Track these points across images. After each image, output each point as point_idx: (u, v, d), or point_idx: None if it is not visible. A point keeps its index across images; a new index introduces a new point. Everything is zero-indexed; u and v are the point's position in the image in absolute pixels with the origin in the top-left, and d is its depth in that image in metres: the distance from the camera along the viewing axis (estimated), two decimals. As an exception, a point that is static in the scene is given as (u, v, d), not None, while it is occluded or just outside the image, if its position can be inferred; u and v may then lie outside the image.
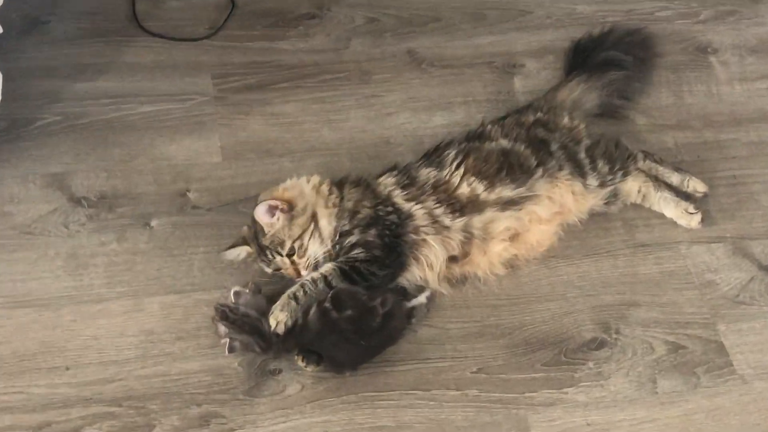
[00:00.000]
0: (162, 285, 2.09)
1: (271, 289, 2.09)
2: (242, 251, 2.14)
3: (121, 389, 1.92)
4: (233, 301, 2.00)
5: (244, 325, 1.98)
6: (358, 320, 1.95)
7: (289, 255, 2.08)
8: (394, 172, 2.17)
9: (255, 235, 2.11)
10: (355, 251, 2.09)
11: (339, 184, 2.21)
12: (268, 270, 2.12)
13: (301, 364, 2.01)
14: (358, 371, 2.00)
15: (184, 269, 2.13)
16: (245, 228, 2.06)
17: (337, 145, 2.46)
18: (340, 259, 2.09)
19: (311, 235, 2.04)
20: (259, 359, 2.03)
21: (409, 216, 2.13)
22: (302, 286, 1.99)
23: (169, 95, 2.51)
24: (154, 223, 2.26)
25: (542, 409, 1.95)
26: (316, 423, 1.91)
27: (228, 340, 1.97)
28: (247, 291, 2.03)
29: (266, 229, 2.09)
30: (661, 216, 2.26)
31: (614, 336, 2.08)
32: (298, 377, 2.01)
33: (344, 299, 1.96)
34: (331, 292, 1.98)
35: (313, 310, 1.96)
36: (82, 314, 2.09)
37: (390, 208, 2.14)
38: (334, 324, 1.94)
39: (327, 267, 2.06)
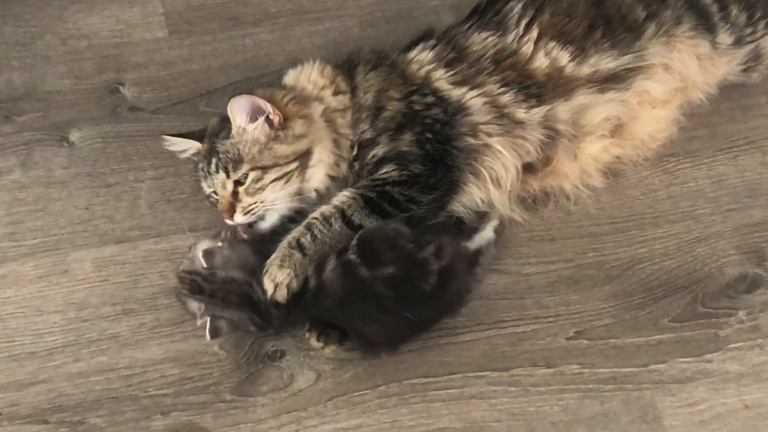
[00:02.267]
0: (95, 232, 1.89)
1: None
2: (190, 147, 1.86)
3: (46, 396, 1.72)
4: (204, 265, 1.69)
5: (230, 295, 1.69)
6: (401, 281, 1.65)
7: (237, 182, 1.78)
8: (431, 42, 1.90)
9: (217, 132, 1.82)
10: (385, 169, 1.78)
11: (347, 67, 1.90)
12: (203, 186, 1.83)
13: (315, 343, 1.73)
14: (400, 350, 1.75)
15: (126, 206, 1.93)
16: (215, 119, 1.86)
17: (337, 4, 2.21)
18: (363, 182, 1.79)
19: (283, 177, 1.78)
20: (250, 338, 1.77)
21: (461, 108, 1.82)
22: (309, 227, 1.71)
23: (81, -62, 2.24)
24: (74, 136, 2.02)
25: (676, 388, 1.73)
26: (342, 430, 1.69)
27: (208, 319, 1.69)
28: (220, 243, 1.72)
29: (233, 131, 1.79)
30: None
31: (772, 269, 1.85)
32: (310, 362, 1.75)
33: (378, 248, 1.65)
34: (357, 236, 1.67)
35: (330, 265, 1.65)
36: (-23, 284, 1.83)
37: (431, 98, 1.82)
38: (364, 286, 1.64)
39: (343, 196, 1.76)
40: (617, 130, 1.91)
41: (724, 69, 2.01)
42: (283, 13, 2.18)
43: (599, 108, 1.87)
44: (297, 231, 1.72)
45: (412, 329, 1.73)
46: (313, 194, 1.82)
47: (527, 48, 1.87)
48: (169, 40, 2.14)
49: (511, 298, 1.83)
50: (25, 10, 2.15)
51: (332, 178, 1.83)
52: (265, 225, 1.79)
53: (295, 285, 1.68)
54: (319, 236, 1.71)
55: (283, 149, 1.78)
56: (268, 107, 1.76)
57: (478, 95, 1.83)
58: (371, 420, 1.70)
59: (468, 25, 1.93)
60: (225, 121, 1.81)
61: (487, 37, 1.89)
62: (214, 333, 1.69)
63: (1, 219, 1.90)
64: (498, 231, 1.85)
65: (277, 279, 1.68)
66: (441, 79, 1.85)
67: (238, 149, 1.79)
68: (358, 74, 1.87)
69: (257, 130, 1.78)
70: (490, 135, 1.82)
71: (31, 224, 1.90)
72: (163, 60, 2.10)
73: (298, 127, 1.79)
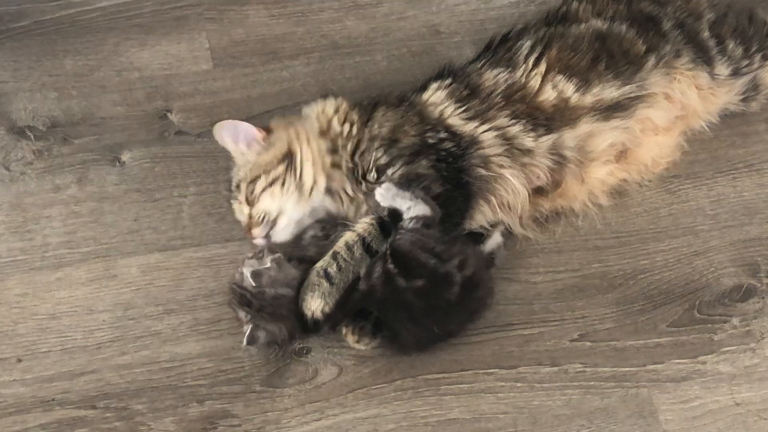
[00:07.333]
0: (141, 241, 1.98)
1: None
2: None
3: (94, 385, 1.81)
4: (253, 284, 1.76)
5: (280, 308, 1.78)
6: (428, 293, 1.73)
7: (250, 203, 1.91)
8: (447, 81, 1.95)
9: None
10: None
11: (369, 106, 1.98)
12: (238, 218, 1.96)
13: (350, 339, 1.82)
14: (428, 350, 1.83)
15: (171, 218, 2.02)
16: None
17: (367, 40, 2.30)
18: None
19: (274, 182, 1.88)
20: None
21: (474, 142, 1.89)
22: (335, 257, 1.78)
23: (136, -19, 2.34)
24: (125, 156, 2.12)
25: (672, 387, 1.80)
26: (361, 419, 1.77)
27: (249, 327, 1.78)
28: (268, 265, 1.78)
29: (235, 159, 1.94)
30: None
31: (766, 281, 1.92)
32: (333, 358, 1.85)
33: (406, 261, 1.74)
34: (389, 246, 1.76)
35: (377, 272, 1.75)
36: (36, 285, 1.94)
37: (443, 134, 1.89)
38: (400, 295, 1.73)
39: (364, 222, 1.84)
40: (622, 155, 1.98)
41: (724, 98, 2.06)
42: (318, 48, 2.27)
43: (604, 135, 1.93)
44: (326, 259, 1.79)
45: (441, 337, 1.81)
46: (320, 197, 1.90)
47: (535, 81, 1.94)
48: (214, 72, 2.24)
49: (520, 304, 1.91)
50: (83, 46, 2.26)
51: (332, 190, 1.91)
52: (280, 233, 1.88)
53: (327, 310, 1.77)
54: (343, 265, 1.79)
55: (264, 158, 1.90)
56: (245, 125, 1.89)
57: (489, 129, 1.90)
58: (387, 410, 1.79)
59: (482, 63, 2.00)
60: None
61: (498, 74, 1.95)
62: (251, 340, 1.77)
63: (58, 229, 2.01)
64: (504, 234, 1.92)
65: (311, 307, 1.78)
66: (454, 116, 1.92)
67: (239, 173, 1.93)
68: (377, 111, 1.94)
69: (250, 149, 1.91)
70: (501, 166, 1.89)
71: (85, 234, 2.00)
72: (208, 90, 2.20)
73: (274, 134, 1.90)
